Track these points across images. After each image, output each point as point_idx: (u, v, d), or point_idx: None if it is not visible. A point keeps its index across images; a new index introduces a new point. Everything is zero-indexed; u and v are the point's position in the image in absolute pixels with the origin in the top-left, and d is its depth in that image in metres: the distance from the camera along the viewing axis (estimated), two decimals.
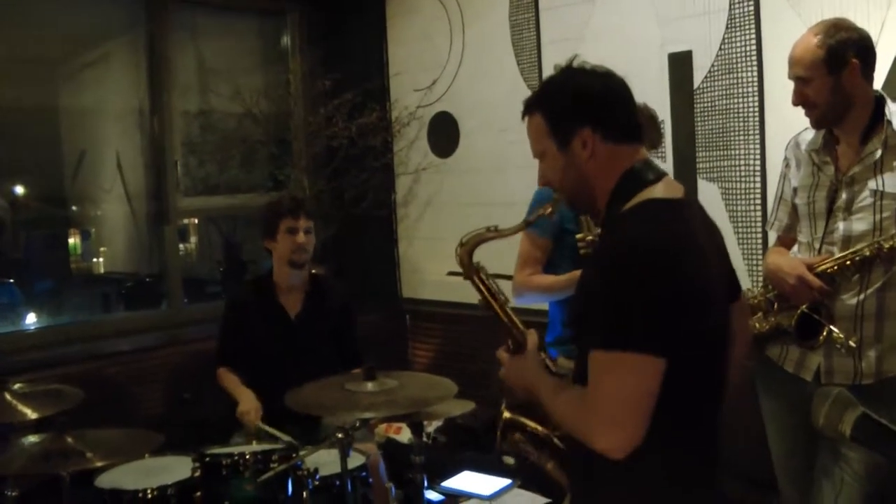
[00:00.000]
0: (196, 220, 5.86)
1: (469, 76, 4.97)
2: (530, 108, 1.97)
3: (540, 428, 2.25)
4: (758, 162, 3.81)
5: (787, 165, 2.91)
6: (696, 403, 1.83)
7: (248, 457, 2.82)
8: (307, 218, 3.83)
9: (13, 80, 4.75)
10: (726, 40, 3.87)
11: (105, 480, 3.05)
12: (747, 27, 3.79)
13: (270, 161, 5.40)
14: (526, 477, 3.65)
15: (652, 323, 1.68)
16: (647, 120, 3.10)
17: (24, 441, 2.84)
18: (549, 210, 2.08)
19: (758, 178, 3.82)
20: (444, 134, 5.18)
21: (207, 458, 2.83)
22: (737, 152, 3.88)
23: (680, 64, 4.05)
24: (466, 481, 3.69)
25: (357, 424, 2.74)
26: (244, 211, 5.36)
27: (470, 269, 2.18)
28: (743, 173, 3.87)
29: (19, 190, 5.29)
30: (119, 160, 5.29)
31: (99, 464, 2.68)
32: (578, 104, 1.89)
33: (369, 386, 2.78)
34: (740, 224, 3.89)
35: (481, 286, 2.18)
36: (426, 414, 3.12)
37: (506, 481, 3.63)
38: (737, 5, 3.82)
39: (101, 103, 5.34)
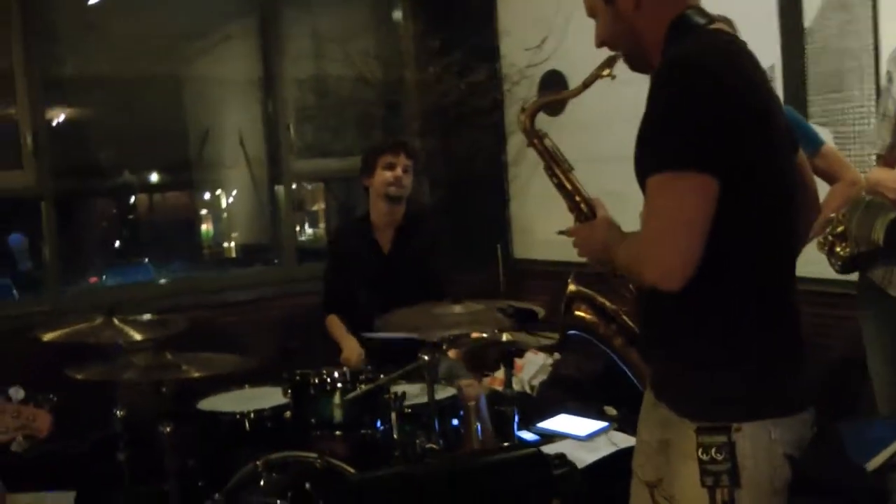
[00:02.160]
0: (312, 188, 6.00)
1: (578, 32, 4.88)
2: None
3: (608, 303, 2.19)
4: (873, 103, 3.59)
5: (889, 80, 2.76)
6: (762, 242, 1.72)
7: (336, 376, 2.85)
8: (408, 156, 3.86)
9: (142, 60, 4.97)
10: None
11: (205, 404, 3.16)
12: None
13: (384, 124, 5.46)
14: (625, 422, 3.58)
15: (700, 138, 1.61)
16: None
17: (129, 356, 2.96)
18: (608, 71, 2.02)
19: (873, 121, 3.63)
20: (555, 91, 5.12)
21: (297, 377, 2.88)
22: (851, 94, 3.69)
23: (790, 4, 3.88)
24: (562, 423, 3.64)
25: (444, 347, 2.73)
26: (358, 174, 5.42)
27: (532, 134, 2.14)
28: (857, 116, 3.67)
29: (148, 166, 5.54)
30: (241, 137, 5.46)
31: (195, 375, 2.76)
32: None
33: (456, 309, 2.78)
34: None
35: (545, 152, 2.13)
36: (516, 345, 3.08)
37: (602, 423, 3.56)
38: None
39: (223, 79, 5.53)
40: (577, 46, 4.93)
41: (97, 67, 4.93)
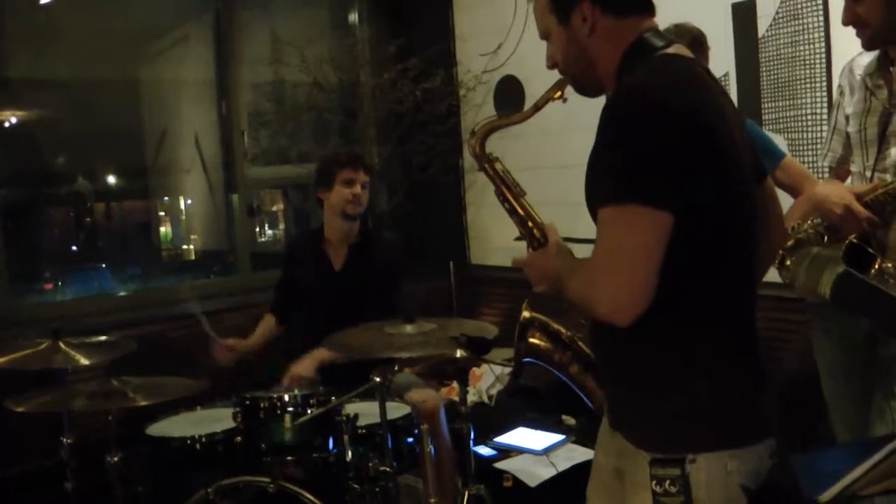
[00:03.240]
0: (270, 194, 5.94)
1: (534, 38, 4.84)
2: None
3: (563, 329, 2.17)
4: (825, 110, 3.64)
5: (840, 93, 2.76)
6: (717, 273, 1.70)
7: (286, 399, 2.81)
8: (366, 172, 3.80)
9: (97, 62, 4.88)
10: None
11: (155, 429, 3.10)
12: None
13: (340, 130, 5.41)
14: (582, 433, 3.57)
15: (651, 172, 1.58)
16: (691, 40, 2.99)
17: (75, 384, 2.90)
18: (559, 94, 1.99)
19: (825, 128, 3.65)
20: (511, 98, 5.10)
21: (247, 401, 2.83)
22: (803, 101, 3.72)
23: (743, 13, 3.90)
24: (520, 437, 3.63)
25: (396, 368, 2.68)
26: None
27: (482, 159, 2.10)
28: (810, 123, 3.70)
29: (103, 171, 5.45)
30: (197, 139, 5.39)
31: (142, 403, 2.70)
32: None
33: (408, 328, 2.74)
34: None
35: (496, 177, 2.10)
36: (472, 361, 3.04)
37: (559, 436, 3.55)
38: None
39: (179, 82, 5.45)
40: (532, 52, 4.92)
41: (48, 69, 4.83)
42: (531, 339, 2.37)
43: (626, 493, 1.82)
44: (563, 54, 1.88)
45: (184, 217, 6.28)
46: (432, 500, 2.68)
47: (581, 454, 3.35)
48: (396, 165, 5.32)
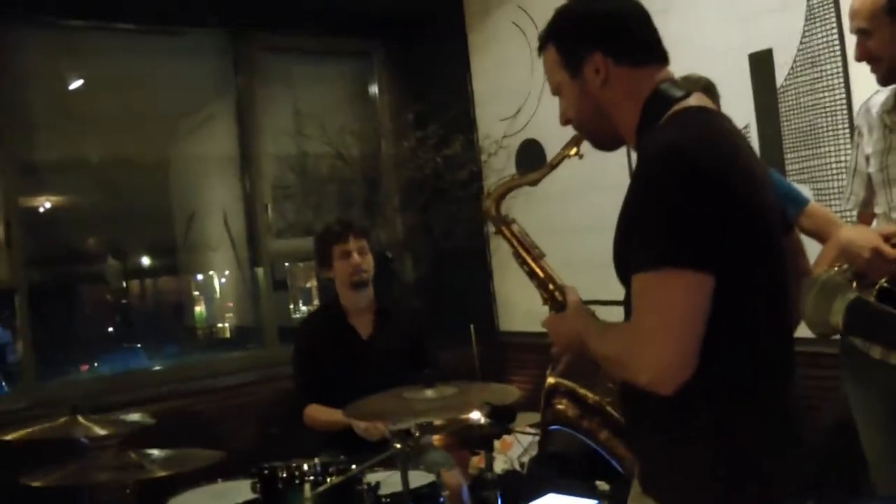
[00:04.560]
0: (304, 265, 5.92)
1: (553, 100, 4.85)
2: (543, 41, 1.88)
3: (590, 394, 2.10)
4: (849, 157, 3.57)
5: (859, 134, 2.71)
6: (753, 336, 1.64)
7: (305, 468, 2.74)
8: (357, 238, 3.78)
9: (123, 143, 4.95)
10: (806, 33, 3.68)
11: (175, 503, 3.04)
12: (827, 17, 3.60)
13: (363, 201, 5.41)
14: (616, 498, 3.46)
15: (693, 233, 1.53)
16: (701, 90, 2.95)
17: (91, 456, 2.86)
18: (575, 150, 1.95)
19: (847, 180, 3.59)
20: (532, 161, 5.08)
21: (265, 471, 2.77)
22: (827, 150, 3.66)
23: (761, 63, 3.87)
24: (550, 503, 3.53)
25: (417, 434, 2.62)
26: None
27: (498, 221, 2.07)
28: (834, 171, 3.64)
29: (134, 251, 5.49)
30: (226, 217, 5.42)
31: (160, 474, 2.65)
32: (585, 28, 1.79)
33: (428, 393, 2.69)
34: None
35: (513, 239, 2.06)
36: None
37: (591, 502, 3.44)
38: None
39: (205, 159, 5.52)
40: (552, 115, 4.87)
41: (76, 152, 4.90)
42: (557, 406, 2.30)
43: None
44: (576, 109, 1.85)
45: (217, 295, 6.30)
46: None
47: None
48: (420, 235, 5.29)
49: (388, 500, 2.88)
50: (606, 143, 1.91)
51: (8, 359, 5.11)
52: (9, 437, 2.89)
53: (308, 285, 6.31)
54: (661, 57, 1.81)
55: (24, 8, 4.40)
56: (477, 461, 4.30)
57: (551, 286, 2.01)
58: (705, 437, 1.64)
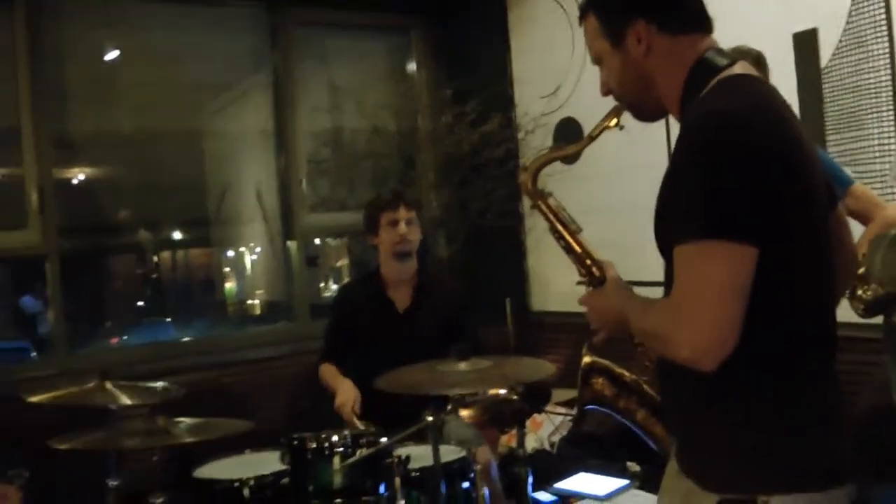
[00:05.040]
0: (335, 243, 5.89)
1: (593, 79, 4.77)
2: (583, 10, 1.82)
3: (627, 373, 2.05)
4: (893, 140, 3.48)
5: None
6: (796, 310, 1.58)
7: (335, 440, 2.69)
8: (408, 208, 3.75)
9: (158, 115, 4.93)
10: (853, 13, 3.57)
11: (201, 472, 3.02)
12: None
13: (399, 177, 5.36)
14: (647, 479, 3.40)
15: (740, 204, 1.47)
16: (751, 61, 2.86)
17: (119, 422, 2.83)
18: (615, 121, 1.89)
19: (892, 157, 3.47)
20: (571, 140, 4.99)
21: (295, 442, 2.72)
22: (870, 132, 3.55)
23: (805, 43, 3.76)
24: (581, 482, 3.47)
25: (449, 408, 2.57)
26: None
27: (535, 195, 2.01)
28: (878, 154, 3.53)
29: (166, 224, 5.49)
30: (259, 193, 5.39)
31: (188, 440, 2.62)
32: None
33: (461, 366, 2.63)
34: None
35: (549, 213, 2.00)
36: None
37: (622, 481, 3.39)
38: None
39: (240, 134, 5.49)
40: (591, 93, 4.79)
41: (110, 123, 4.90)
42: (595, 385, 2.24)
43: None
44: (618, 78, 1.78)
45: (248, 272, 6.29)
46: None
47: (645, 500, 3.20)
48: (455, 211, 5.23)
49: (419, 473, 2.82)
50: (648, 113, 1.84)
51: (39, 328, 5.15)
52: (36, 400, 2.86)
53: (339, 264, 6.29)
54: (705, 25, 1.74)
55: None
56: (507, 439, 4.24)
57: (588, 261, 1.96)
58: (747, 414, 1.58)
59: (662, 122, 3.72)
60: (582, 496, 3.34)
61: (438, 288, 3.87)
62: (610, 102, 1.89)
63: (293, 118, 5.15)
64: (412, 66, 5.62)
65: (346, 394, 3.44)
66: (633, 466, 3.68)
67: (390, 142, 5.29)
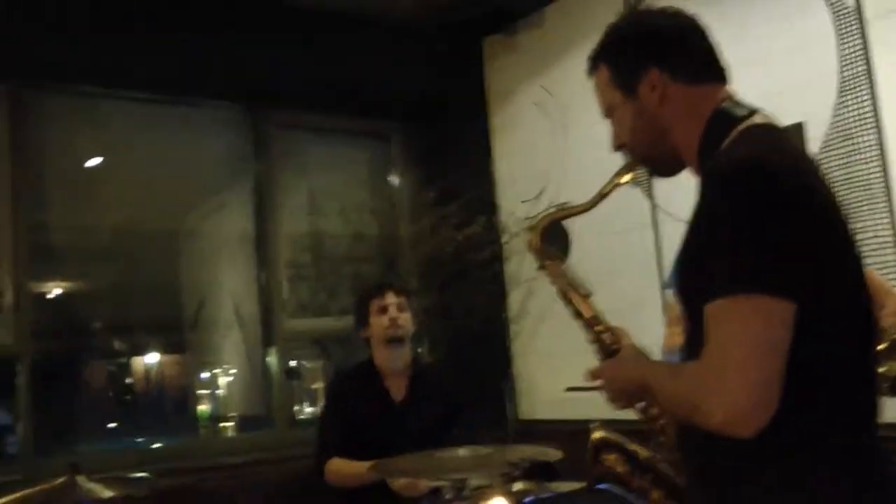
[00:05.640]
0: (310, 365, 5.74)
1: (576, 184, 4.78)
2: (594, 61, 1.78)
3: (641, 449, 1.93)
4: (889, 232, 3.46)
5: None
6: (840, 371, 1.47)
7: None
8: (397, 294, 3.69)
9: (136, 221, 4.87)
10: (839, 106, 3.61)
11: None
12: (861, 89, 3.54)
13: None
14: None
15: (777, 257, 1.38)
16: None
17: None
18: (626, 178, 1.83)
19: (890, 250, 3.45)
20: (555, 242, 4.94)
21: None
22: (864, 224, 3.53)
23: (793, 137, 3.77)
24: None
25: (448, 497, 2.42)
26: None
27: (543, 255, 1.94)
28: (874, 247, 3.50)
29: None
30: (237, 306, 5.29)
31: None
32: (640, 43, 1.69)
33: (461, 451, 2.50)
34: None
35: (557, 276, 1.95)
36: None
37: None
38: (847, 67, 3.59)
39: (218, 240, 5.42)
40: (575, 197, 4.80)
41: (89, 226, 4.80)
42: (606, 462, 2.11)
43: None
44: (630, 130, 1.73)
45: (221, 392, 6.11)
46: None
47: None
48: (438, 317, 5.13)
49: None
50: (664, 167, 1.79)
51: (7, 445, 4.93)
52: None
53: (315, 386, 6.11)
54: (721, 74, 1.70)
55: (41, 74, 4.35)
56: None
57: (599, 327, 1.89)
58: (788, 485, 1.46)
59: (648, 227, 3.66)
60: None
61: (435, 378, 3.78)
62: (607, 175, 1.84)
63: (274, 221, 5.10)
64: (393, 171, 5.61)
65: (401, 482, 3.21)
66: None
67: (371, 246, 5.23)
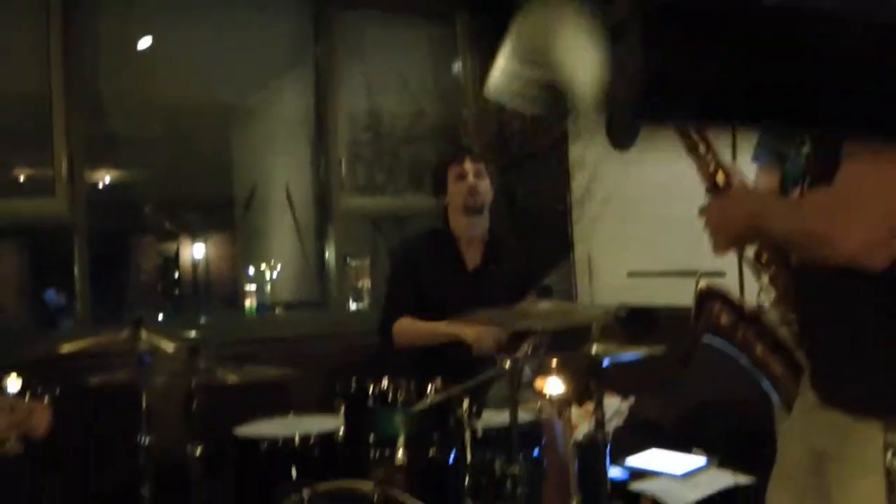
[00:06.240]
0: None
1: None
2: None
3: (746, 301, 1.82)
4: None
5: None
6: None
7: (401, 385, 2.42)
8: (475, 161, 3.56)
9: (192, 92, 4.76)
10: None
11: (244, 430, 2.75)
12: None
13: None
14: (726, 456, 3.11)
15: None
16: None
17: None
18: None
19: None
20: (623, 123, 4.75)
21: (352, 389, 2.45)
22: None
23: None
24: (654, 459, 3.18)
25: (528, 350, 2.29)
26: (413, 213, 5.10)
27: None
28: None
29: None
30: (289, 192, 5.17)
31: (231, 378, 2.34)
32: None
33: (542, 305, 2.36)
34: None
35: None
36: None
37: (700, 460, 3.10)
38: None
39: (280, 116, 5.27)
40: None
41: (143, 106, 4.70)
42: (710, 312, 1.99)
43: (839, 480, 1.47)
44: None
45: (269, 288, 6.05)
46: None
47: (727, 479, 2.90)
48: (500, 199, 4.97)
49: (483, 435, 2.53)
50: None
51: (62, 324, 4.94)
52: (68, 348, 2.61)
53: (360, 284, 6.01)
54: None
55: None
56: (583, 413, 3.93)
57: (713, 164, 1.77)
58: None
59: None
60: (656, 474, 3.05)
61: (511, 248, 3.67)
62: None
63: (333, 100, 4.92)
64: (457, 50, 5.39)
65: (472, 327, 3.13)
66: (700, 454, 3.38)
67: (433, 126, 5.05)
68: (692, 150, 1.81)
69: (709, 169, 1.79)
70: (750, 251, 1.81)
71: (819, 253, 1.39)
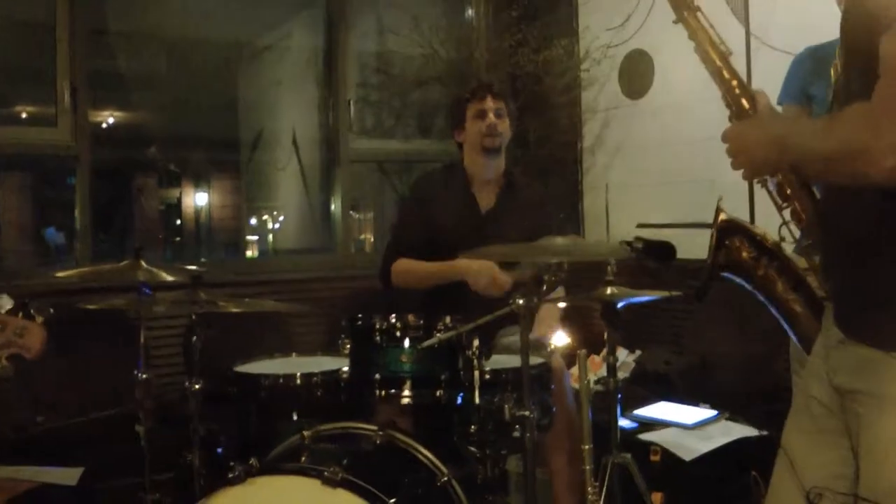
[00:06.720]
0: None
1: (663, 10, 4.41)
2: None
3: (767, 236, 1.75)
4: None
5: None
6: None
7: (409, 321, 2.34)
8: (496, 99, 3.41)
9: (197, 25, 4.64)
10: None
11: (244, 368, 2.68)
12: None
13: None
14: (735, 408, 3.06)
15: None
16: None
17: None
18: None
19: None
20: (638, 73, 4.65)
21: (359, 323, 2.37)
22: None
23: None
24: (664, 410, 3.13)
25: (545, 286, 2.21)
26: (421, 158, 5.02)
27: (682, 4, 1.82)
28: None
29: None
30: (295, 137, 5.11)
31: (233, 309, 2.27)
32: None
33: (559, 240, 2.28)
34: None
35: (698, 31, 1.80)
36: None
37: (710, 412, 3.05)
38: None
39: (289, 52, 5.23)
40: (663, 21, 4.45)
41: (148, 37, 4.59)
42: (731, 246, 1.91)
43: (866, 417, 1.41)
44: None
45: (271, 238, 5.99)
46: None
47: (738, 431, 2.85)
48: (511, 143, 4.87)
49: (490, 377, 2.45)
50: None
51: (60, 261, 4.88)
52: (65, 274, 2.54)
53: (362, 237, 5.92)
54: None
55: None
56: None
57: (737, 89, 1.75)
58: None
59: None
60: (667, 424, 3.00)
61: (526, 191, 3.52)
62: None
63: (343, 40, 4.83)
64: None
65: (478, 263, 3.03)
66: (706, 409, 3.32)
67: (444, 68, 4.92)
68: (715, 74, 1.79)
69: (733, 93, 1.75)
70: (771, 185, 1.75)
71: (853, 171, 1.29)
